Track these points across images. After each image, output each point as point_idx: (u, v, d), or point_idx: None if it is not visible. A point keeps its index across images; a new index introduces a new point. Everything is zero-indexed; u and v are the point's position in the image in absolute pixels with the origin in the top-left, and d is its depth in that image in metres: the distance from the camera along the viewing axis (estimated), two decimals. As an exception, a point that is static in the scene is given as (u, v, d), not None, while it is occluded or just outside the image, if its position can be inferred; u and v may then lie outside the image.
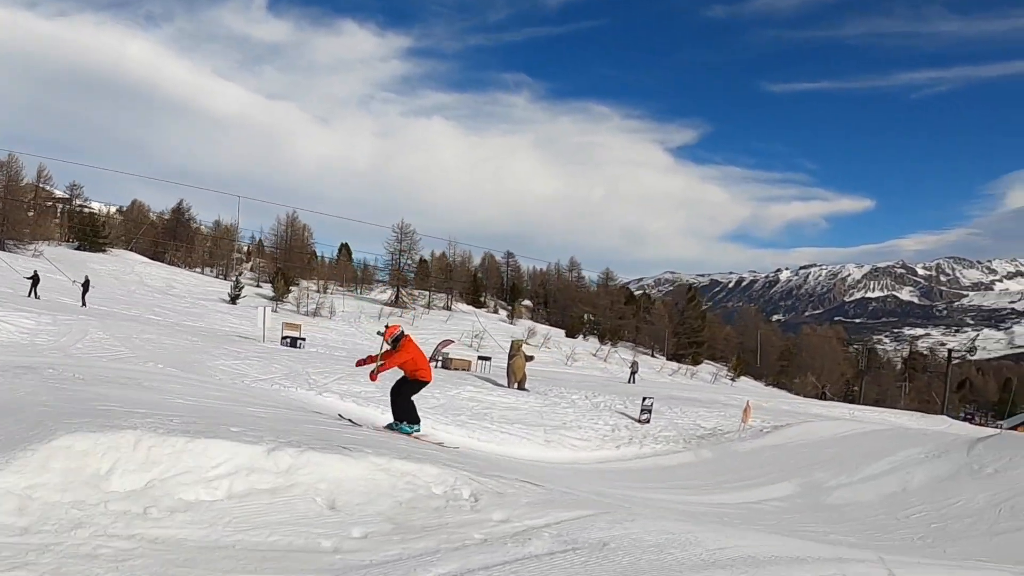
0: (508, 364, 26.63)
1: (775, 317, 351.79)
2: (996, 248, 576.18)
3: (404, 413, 9.91)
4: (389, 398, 10.36)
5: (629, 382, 38.89)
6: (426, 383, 10.33)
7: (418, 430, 10.11)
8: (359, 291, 66.25)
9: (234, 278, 54.72)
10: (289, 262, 64.43)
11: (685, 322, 71.61)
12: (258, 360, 21.79)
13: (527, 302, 74.60)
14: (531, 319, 68.17)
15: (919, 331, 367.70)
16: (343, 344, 39.70)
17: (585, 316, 68.47)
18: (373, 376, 9.88)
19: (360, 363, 10.73)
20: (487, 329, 53.27)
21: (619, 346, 65.58)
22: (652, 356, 65.84)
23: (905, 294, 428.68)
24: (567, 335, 63.93)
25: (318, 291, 59.42)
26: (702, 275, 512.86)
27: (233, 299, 49.34)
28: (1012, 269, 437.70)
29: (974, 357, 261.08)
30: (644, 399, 24.75)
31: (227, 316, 45.71)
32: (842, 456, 19.67)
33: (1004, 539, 12.37)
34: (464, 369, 31.18)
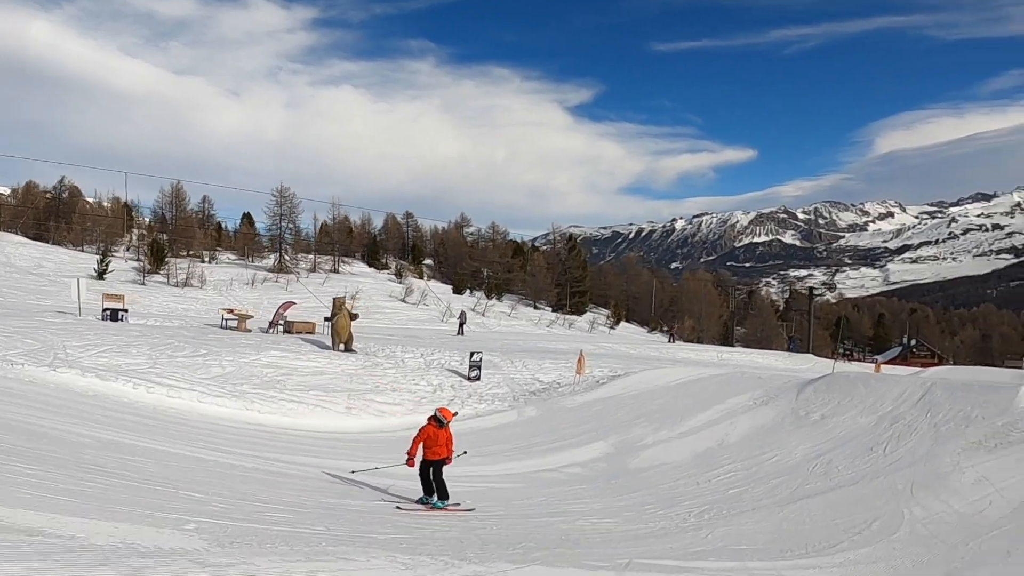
0: (331, 324, 24.22)
1: (673, 265, 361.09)
2: (868, 191, 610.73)
3: (442, 490, 10.30)
4: (430, 479, 10.45)
5: (458, 334, 37.13)
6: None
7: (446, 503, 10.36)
8: (251, 259, 62.07)
9: (99, 253, 50.34)
10: (174, 234, 61.93)
11: (567, 272, 70.36)
12: (24, 335, 18.65)
13: (428, 261, 73.84)
14: (428, 278, 66.37)
15: (803, 272, 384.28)
16: (188, 313, 36.13)
17: (486, 272, 66.51)
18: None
19: (412, 456, 10.34)
20: (362, 289, 50.69)
21: (504, 299, 63.87)
22: (535, 308, 64.33)
23: (788, 238, 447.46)
24: (454, 291, 61.68)
25: (200, 259, 57.05)
26: (604, 228, 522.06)
27: (100, 274, 44.93)
28: (883, 210, 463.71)
29: (854, 295, 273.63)
30: (472, 355, 22.83)
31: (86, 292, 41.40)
32: (669, 407, 18.23)
33: (803, 508, 10.62)
34: (308, 332, 28.43)
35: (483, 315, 54.82)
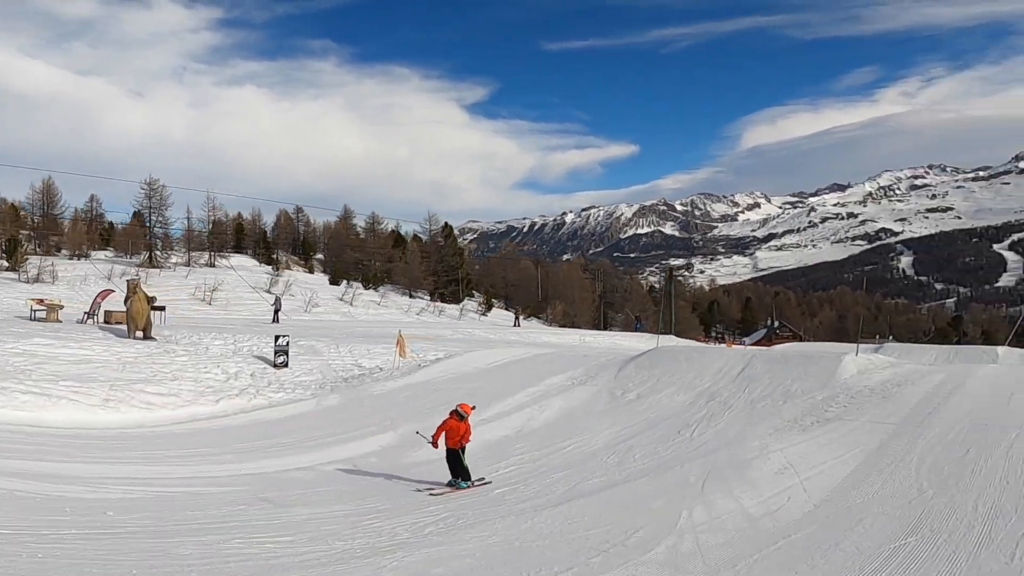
0: (126, 310, 20.47)
1: (565, 256, 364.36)
2: (738, 183, 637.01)
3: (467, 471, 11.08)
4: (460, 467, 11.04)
5: (273, 321, 34.16)
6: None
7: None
8: (130, 255, 57.48)
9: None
10: (45, 229, 57.91)
11: (443, 260, 67.58)
12: None
13: (320, 256, 71.43)
14: (314, 271, 63.98)
15: (682, 261, 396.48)
16: (11, 309, 31.18)
17: (362, 263, 63.41)
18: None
19: (436, 441, 11.29)
20: (225, 280, 48.01)
21: (381, 288, 60.73)
22: (410, 296, 61.25)
23: (668, 228, 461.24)
24: (330, 282, 58.17)
25: (79, 256, 53.36)
26: (500, 222, 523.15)
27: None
28: (751, 201, 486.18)
29: (728, 281, 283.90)
30: (277, 339, 19.51)
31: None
32: (481, 391, 15.85)
33: (567, 512, 8.12)
34: (122, 323, 24.39)
35: (351, 304, 51.51)
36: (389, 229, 75.37)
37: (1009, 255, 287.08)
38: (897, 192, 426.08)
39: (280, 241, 71.54)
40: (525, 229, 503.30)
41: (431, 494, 10.36)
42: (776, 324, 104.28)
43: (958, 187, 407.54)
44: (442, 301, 63.09)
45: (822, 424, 11.34)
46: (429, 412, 14.87)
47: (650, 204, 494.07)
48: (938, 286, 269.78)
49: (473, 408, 11.80)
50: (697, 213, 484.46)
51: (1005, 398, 12.27)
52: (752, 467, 9.41)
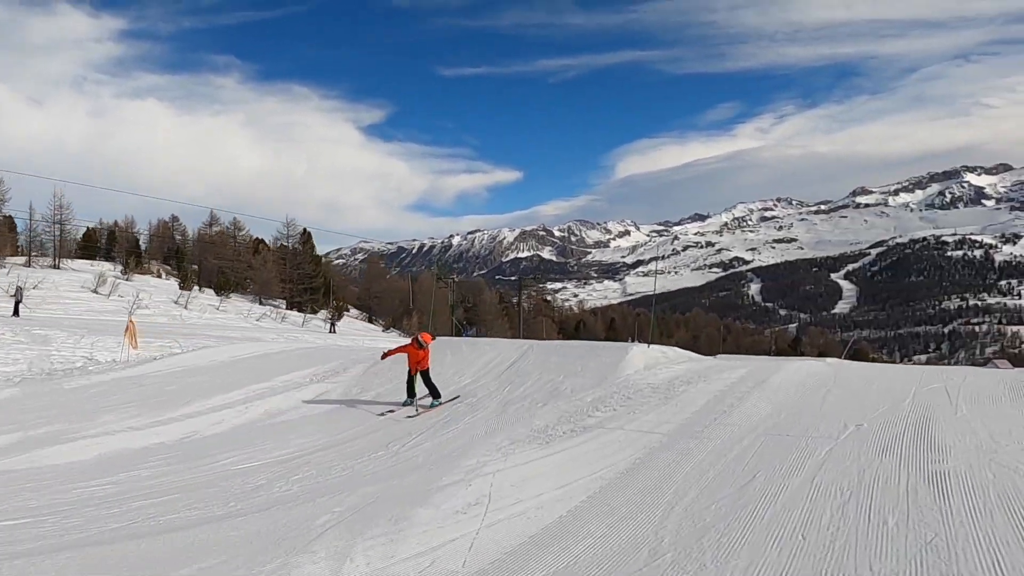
0: None
1: (453, 278, 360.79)
2: (611, 211, 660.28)
3: (436, 391, 11.68)
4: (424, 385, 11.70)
5: (13, 314, 29.97)
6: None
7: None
8: None
9: None
10: None
11: (299, 267, 62.49)
12: None
13: (195, 266, 66.03)
14: (169, 276, 59.09)
15: (558, 285, 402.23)
16: None
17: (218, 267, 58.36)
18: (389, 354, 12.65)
19: (388, 354, 12.63)
20: (46, 279, 42.83)
21: (222, 294, 55.24)
22: (260, 303, 55.91)
23: (546, 253, 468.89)
24: (180, 287, 53.35)
25: None
26: (391, 243, 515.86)
27: None
28: (622, 229, 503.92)
29: (598, 304, 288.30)
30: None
31: None
32: (198, 386, 11.81)
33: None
34: None
35: (185, 307, 46.51)
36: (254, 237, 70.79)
37: (844, 284, 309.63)
38: (749, 223, 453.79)
39: (154, 249, 68.07)
40: (415, 250, 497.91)
41: (390, 412, 10.82)
42: (635, 342, 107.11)
43: (802, 219, 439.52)
44: (299, 310, 58.16)
45: (575, 434, 8.16)
46: (106, 409, 10.56)
47: (531, 229, 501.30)
48: (782, 312, 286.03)
49: (434, 338, 12.29)
50: (573, 239, 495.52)
51: (818, 398, 9.59)
52: (435, 499, 5.96)
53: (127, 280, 51.47)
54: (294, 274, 62.11)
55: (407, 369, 11.63)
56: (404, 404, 11.36)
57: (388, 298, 73.56)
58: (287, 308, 58.95)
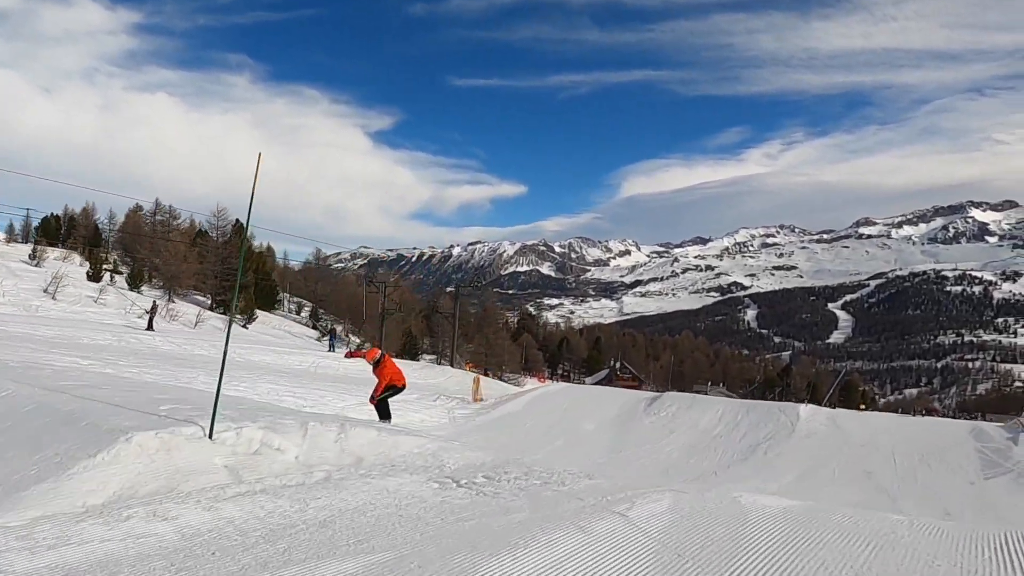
0: None
1: (448, 289, 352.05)
2: (613, 230, 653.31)
3: (385, 414, 11.47)
4: (376, 407, 11.67)
5: None
6: (402, 388, 11.89)
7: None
8: None
9: None
10: None
11: (225, 261, 53.50)
12: None
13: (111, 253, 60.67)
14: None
15: (555, 301, 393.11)
16: None
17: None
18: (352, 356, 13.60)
19: (350, 355, 13.64)
20: None
21: (103, 282, 47.46)
22: (171, 300, 47.63)
23: (545, 268, 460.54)
24: (89, 277, 46.38)
25: None
26: (392, 250, 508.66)
27: None
28: (623, 248, 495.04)
29: (594, 322, 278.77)
30: None
31: None
32: None
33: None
34: None
35: (53, 297, 39.05)
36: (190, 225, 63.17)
37: (841, 314, 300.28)
38: (750, 248, 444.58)
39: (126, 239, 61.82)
40: (414, 259, 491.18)
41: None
42: (618, 365, 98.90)
43: (803, 247, 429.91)
44: (225, 308, 49.84)
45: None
46: None
47: (531, 244, 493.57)
48: (776, 339, 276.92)
49: (382, 354, 12.08)
50: (573, 256, 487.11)
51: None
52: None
53: (35, 265, 45.96)
54: (219, 269, 53.24)
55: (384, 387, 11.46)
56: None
57: (335, 301, 65.39)
58: (211, 306, 50.51)
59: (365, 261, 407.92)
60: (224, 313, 50.30)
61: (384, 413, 11.27)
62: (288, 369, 26.39)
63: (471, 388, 24.81)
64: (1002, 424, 20.62)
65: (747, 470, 14.71)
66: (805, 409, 19.77)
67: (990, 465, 14.68)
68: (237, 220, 60.31)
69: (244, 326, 47.82)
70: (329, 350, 38.30)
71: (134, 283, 48.79)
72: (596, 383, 72.78)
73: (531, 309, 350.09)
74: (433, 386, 27.64)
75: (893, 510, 9.26)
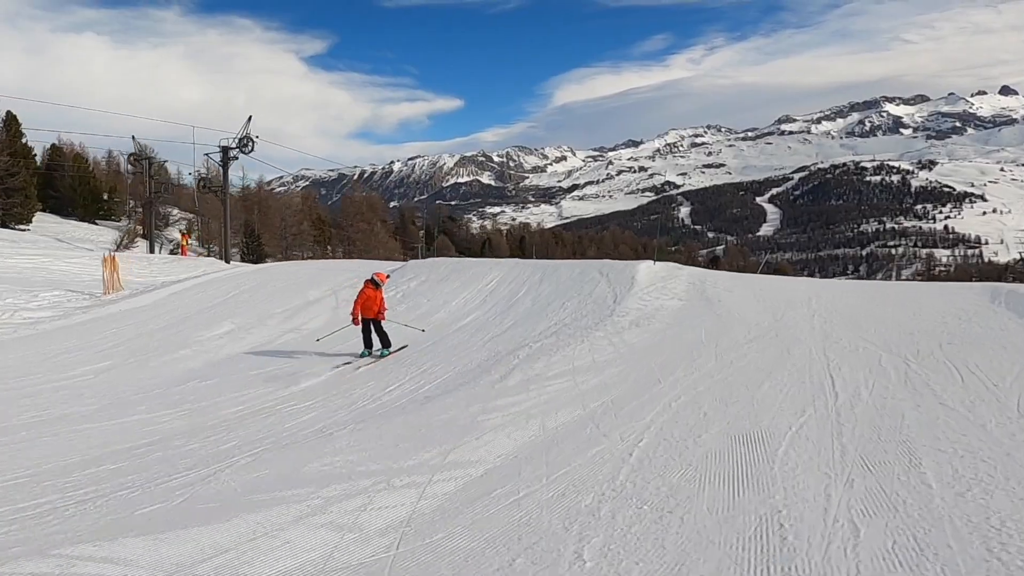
0: None
1: (392, 204, 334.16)
2: (548, 137, 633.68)
3: (385, 339, 10.80)
4: (371, 334, 10.68)
5: None
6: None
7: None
8: None
9: None
10: None
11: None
12: None
13: None
14: None
15: (497, 209, 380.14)
16: None
17: None
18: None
19: (357, 315, 10.86)
20: None
21: None
22: None
23: (485, 178, 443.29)
24: None
25: None
26: (332, 170, 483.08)
27: None
28: (559, 154, 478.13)
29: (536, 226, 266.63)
30: None
31: None
32: None
33: None
34: None
35: None
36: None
37: (769, 207, 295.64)
38: (680, 149, 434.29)
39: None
40: (355, 176, 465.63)
41: (347, 364, 9.93)
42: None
43: (730, 145, 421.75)
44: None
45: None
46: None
47: (470, 155, 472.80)
48: (711, 235, 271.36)
49: (388, 277, 11.63)
50: (512, 164, 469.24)
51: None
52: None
53: None
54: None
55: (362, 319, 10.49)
56: (361, 356, 10.55)
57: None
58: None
59: (308, 183, 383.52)
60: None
61: (386, 339, 10.76)
62: None
63: (106, 273, 13.77)
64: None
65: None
66: (646, 268, 12.91)
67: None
68: (9, 112, 43.97)
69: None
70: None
71: None
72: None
73: (475, 218, 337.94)
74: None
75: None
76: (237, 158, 30.53)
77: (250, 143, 30.30)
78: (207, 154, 33.81)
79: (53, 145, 44.90)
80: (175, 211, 50.51)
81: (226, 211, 31.42)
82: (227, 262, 29.28)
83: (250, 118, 30.56)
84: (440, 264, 16.05)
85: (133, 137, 35.53)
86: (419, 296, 13.66)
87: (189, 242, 34.77)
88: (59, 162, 42.07)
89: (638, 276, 12.91)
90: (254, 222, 48.12)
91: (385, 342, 10.62)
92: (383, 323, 10.64)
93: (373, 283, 10.61)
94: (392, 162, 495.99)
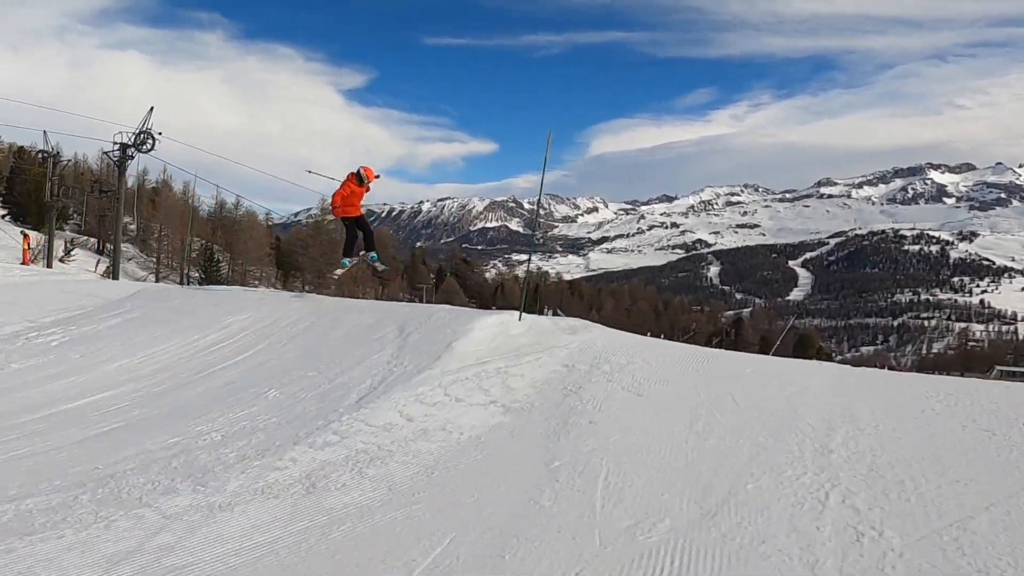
0: None
1: (418, 244, 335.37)
2: (581, 187, 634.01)
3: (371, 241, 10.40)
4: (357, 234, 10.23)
5: None
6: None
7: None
8: None
9: None
10: None
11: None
12: None
13: None
14: None
15: (523, 256, 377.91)
16: None
17: None
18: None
19: (337, 209, 10.51)
20: None
21: None
22: None
23: (514, 224, 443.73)
24: None
25: None
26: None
27: None
28: (590, 205, 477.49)
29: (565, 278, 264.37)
30: None
31: None
32: None
33: None
34: None
35: None
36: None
37: (801, 271, 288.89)
38: (715, 207, 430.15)
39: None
40: (384, 214, 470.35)
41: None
42: (552, 312, 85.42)
43: (766, 206, 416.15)
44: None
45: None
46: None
47: (501, 200, 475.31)
48: (738, 295, 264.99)
49: (378, 177, 10.21)
50: (542, 212, 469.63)
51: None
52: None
53: None
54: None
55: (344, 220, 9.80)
56: (343, 266, 10.36)
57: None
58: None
59: (335, 219, 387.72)
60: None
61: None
62: None
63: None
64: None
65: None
66: (490, 328, 7.43)
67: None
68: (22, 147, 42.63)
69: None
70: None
71: None
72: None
73: (500, 264, 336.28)
74: None
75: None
76: (133, 157, 27.49)
77: (150, 140, 27.20)
78: (104, 151, 31.22)
79: (21, 148, 43.01)
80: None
81: (118, 215, 28.57)
82: (114, 278, 25.84)
83: (152, 109, 27.48)
84: (173, 295, 10.87)
85: (44, 132, 32.68)
86: (98, 341, 8.04)
87: (30, 246, 29.68)
88: (23, 165, 39.90)
89: (459, 345, 6.87)
90: (218, 242, 45.70)
91: (370, 243, 10.07)
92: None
93: (358, 177, 9.84)
94: (421, 202, 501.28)
